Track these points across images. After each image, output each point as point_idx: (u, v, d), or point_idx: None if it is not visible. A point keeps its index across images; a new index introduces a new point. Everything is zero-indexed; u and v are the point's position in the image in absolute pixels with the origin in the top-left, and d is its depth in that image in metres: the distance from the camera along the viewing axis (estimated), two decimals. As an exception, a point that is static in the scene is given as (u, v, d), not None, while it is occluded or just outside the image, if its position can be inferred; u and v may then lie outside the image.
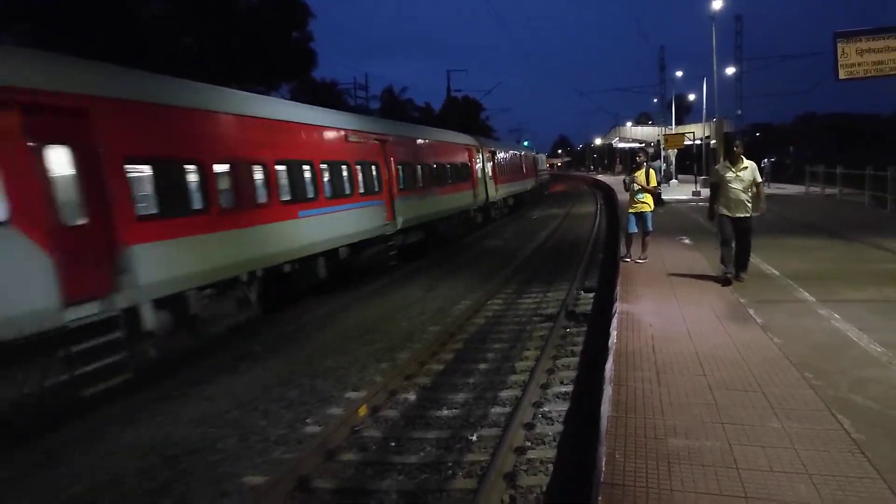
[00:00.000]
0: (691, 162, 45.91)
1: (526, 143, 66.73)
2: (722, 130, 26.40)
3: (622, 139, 59.85)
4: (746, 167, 8.79)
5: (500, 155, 31.04)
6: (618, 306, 7.92)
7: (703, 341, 6.29)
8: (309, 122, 13.20)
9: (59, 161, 7.13)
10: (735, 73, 33.22)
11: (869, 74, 12.59)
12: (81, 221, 7.32)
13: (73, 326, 6.92)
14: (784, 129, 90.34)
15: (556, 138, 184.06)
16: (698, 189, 28.68)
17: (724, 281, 8.94)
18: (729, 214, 8.82)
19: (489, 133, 67.80)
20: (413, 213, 18.08)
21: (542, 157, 56.26)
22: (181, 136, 9.23)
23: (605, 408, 4.63)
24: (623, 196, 24.98)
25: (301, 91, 39.74)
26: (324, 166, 13.17)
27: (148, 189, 8.41)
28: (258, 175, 10.89)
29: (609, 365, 5.66)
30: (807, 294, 8.07)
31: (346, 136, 14.44)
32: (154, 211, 8.40)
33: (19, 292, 6.38)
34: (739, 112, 34.03)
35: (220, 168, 9.87)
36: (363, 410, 7.06)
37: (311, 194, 12.50)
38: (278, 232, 11.22)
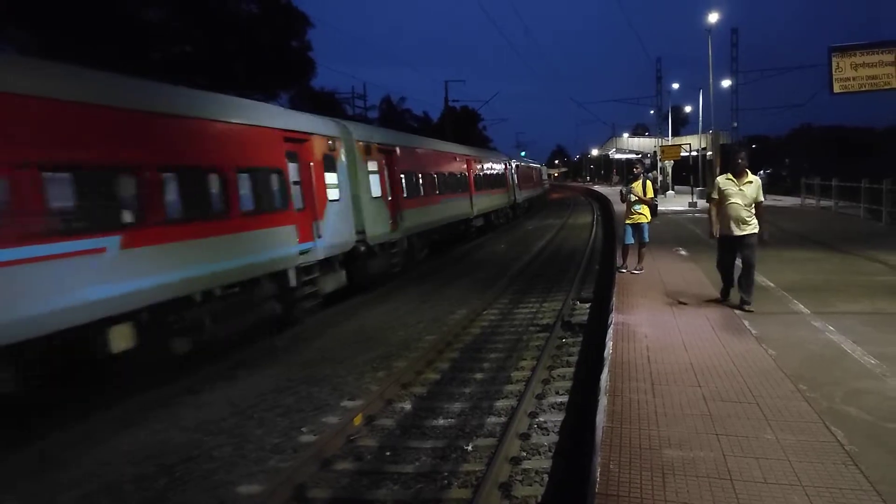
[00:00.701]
0: (687, 173, 46.16)
1: (523, 154, 66.96)
2: (718, 142, 26.55)
3: (619, 150, 60.11)
4: (751, 182, 7.92)
5: (522, 167, 41.17)
6: (614, 317, 7.95)
7: (699, 352, 6.32)
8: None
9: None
10: (731, 86, 33.43)
11: (863, 88, 12.71)
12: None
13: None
14: (780, 141, 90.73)
15: (553, 148, 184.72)
16: (695, 200, 28.79)
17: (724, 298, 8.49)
18: (728, 233, 8.05)
19: (487, 144, 68.01)
20: (484, 205, 27.90)
21: (545, 168, 66.49)
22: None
23: (601, 418, 4.64)
24: (620, 207, 25.20)
25: (299, 99, 39.84)
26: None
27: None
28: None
29: (605, 375, 5.68)
30: (801, 306, 8.11)
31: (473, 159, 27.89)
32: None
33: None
34: (735, 124, 34.18)
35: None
36: (359, 419, 7.05)
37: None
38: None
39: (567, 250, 22.04)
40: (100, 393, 7.65)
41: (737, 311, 7.97)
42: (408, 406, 7.57)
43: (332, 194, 12.81)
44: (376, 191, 15.13)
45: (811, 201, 25.72)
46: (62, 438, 6.76)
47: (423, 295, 14.58)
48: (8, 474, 6.00)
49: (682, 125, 71.08)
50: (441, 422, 7.02)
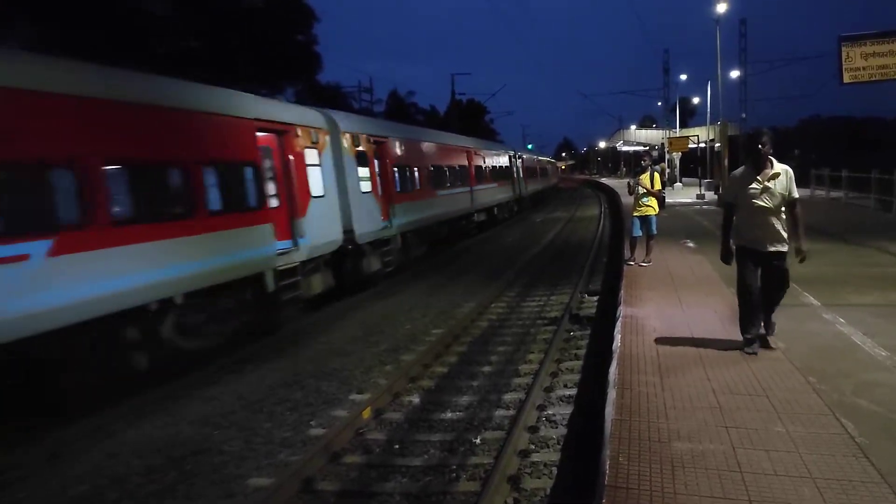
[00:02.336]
0: (695, 165, 45.92)
1: (530, 147, 66.83)
2: (727, 133, 26.37)
3: (626, 142, 59.82)
4: (778, 174, 5.82)
5: (527, 159, 46.26)
6: (622, 310, 7.92)
7: (707, 345, 6.29)
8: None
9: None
10: (740, 77, 33.18)
11: (873, 78, 12.55)
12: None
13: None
14: (788, 132, 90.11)
15: (560, 141, 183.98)
16: (702, 192, 28.67)
17: (747, 348, 6.00)
18: (751, 247, 5.92)
19: (494, 137, 67.81)
20: (486, 199, 27.15)
21: (555, 162, 80.00)
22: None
23: (609, 411, 4.64)
24: (627, 200, 25.09)
25: (306, 94, 39.84)
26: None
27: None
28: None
29: (613, 368, 5.67)
30: (811, 298, 8.06)
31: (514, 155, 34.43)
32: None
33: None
34: (744, 115, 33.97)
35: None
36: (367, 413, 7.07)
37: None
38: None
39: (574, 243, 21.98)
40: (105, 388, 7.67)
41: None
42: (416, 399, 7.58)
43: (316, 190, 11.92)
44: (366, 185, 14.29)
45: (821, 192, 25.53)
46: (71, 432, 6.82)
47: (430, 288, 14.59)
48: (19, 468, 6.06)
49: (690, 116, 70.60)
50: (449, 415, 7.03)
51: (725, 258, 6.18)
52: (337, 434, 6.40)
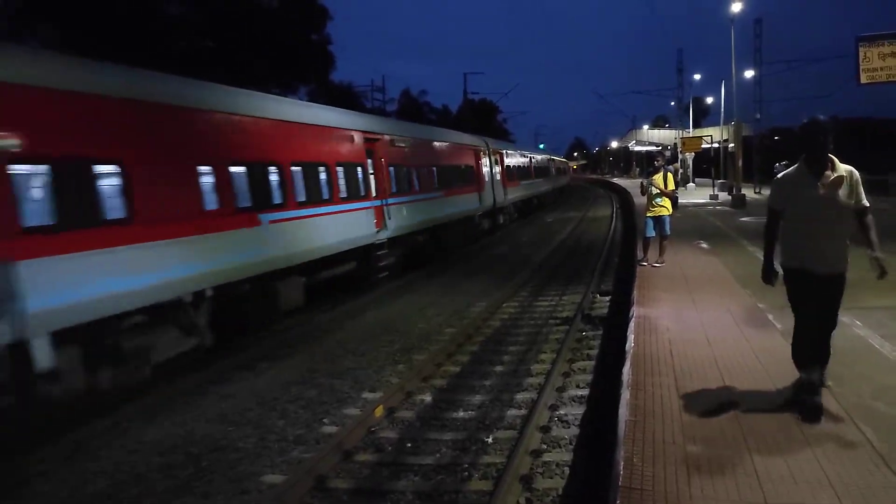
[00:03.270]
0: (708, 165, 45.62)
1: (541, 147, 66.77)
2: (741, 133, 26.18)
3: (639, 142, 59.53)
4: (842, 178, 4.63)
5: (561, 163, 55.43)
6: (635, 310, 7.90)
7: (722, 347, 6.26)
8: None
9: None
10: (754, 77, 32.90)
11: (892, 79, 12.39)
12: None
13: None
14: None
15: (572, 140, 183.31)
16: (716, 193, 28.50)
17: (808, 410, 4.57)
18: (803, 267, 4.75)
19: (507, 136, 67.74)
20: (518, 194, 30.16)
21: (567, 161, 78.62)
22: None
23: (623, 412, 4.62)
24: (640, 200, 24.98)
25: (319, 93, 39.98)
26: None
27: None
28: None
29: (627, 369, 5.65)
30: (827, 300, 7.97)
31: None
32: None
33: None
34: (758, 116, 33.67)
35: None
36: (380, 411, 7.10)
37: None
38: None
39: (586, 243, 21.91)
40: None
41: (760, 305, 7.84)
42: (428, 398, 7.59)
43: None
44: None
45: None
46: (90, 429, 6.89)
47: (443, 287, 14.60)
48: (40, 464, 6.14)
49: (703, 116, 70.14)
50: (461, 414, 7.04)
51: (767, 277, 4.99)
52: (350, 432, 6.43)
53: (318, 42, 37.92)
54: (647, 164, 67.49)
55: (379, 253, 14.16)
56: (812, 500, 3.42)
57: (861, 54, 11.41)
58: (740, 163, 25.45)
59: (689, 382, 5.27)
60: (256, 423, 7.02)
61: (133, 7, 25.62)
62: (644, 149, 61.41)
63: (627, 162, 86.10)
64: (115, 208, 7.31)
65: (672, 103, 54.85)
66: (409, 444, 6.33)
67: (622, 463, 3.73)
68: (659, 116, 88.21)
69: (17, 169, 6.22)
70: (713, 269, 10.67)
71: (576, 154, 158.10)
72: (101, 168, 7.24)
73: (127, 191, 7.45)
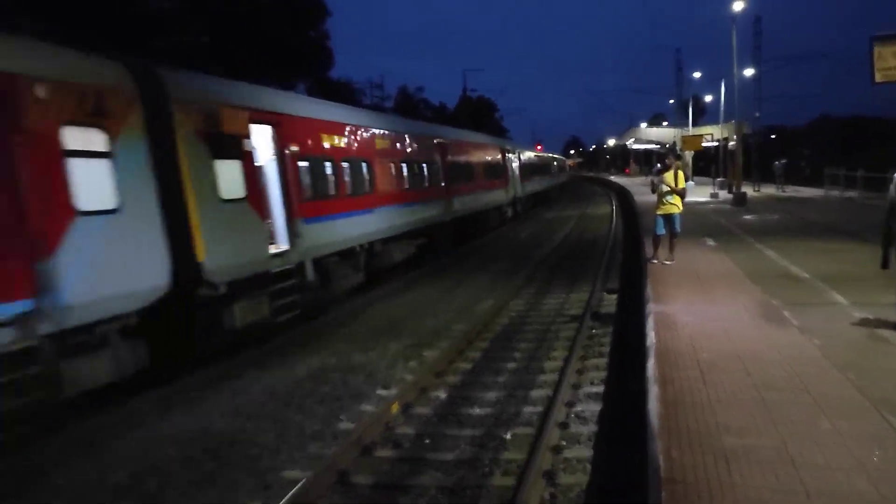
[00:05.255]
0: (706, 164, 45.74)
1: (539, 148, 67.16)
2: (742, 132, 26.25)
3: (637, 140, 59.59)
4: None
5: (561, 161, 58.61)
6: (651, 307, 7.90)
7: (742, 342, 6.27)
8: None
9: None
10: (754, 75, 33.00)
11: (906, 77, 12.35)
12: None
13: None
14: (798, 131, 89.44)
15: (568, 138, 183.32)
16: (716, 191, 28.59)
17: None
18: None
19: (504, 134, 67.74)
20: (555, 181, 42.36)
21: (564, 160, 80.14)
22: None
23: (653, 405, 4.63)
24: (641, 199, 25.02)
25: (317, 89, 39.86)
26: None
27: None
28: None
29: (651, 363, 5.66)
30: (839, 296, 8.02)
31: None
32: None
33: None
34: (757, 114, 33.79)
35: None
36: (396, 407, 7.09)
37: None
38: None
39: (585, 248, 21.95)
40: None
41: (774, 302, 7.86)
42: (443, 395, 7.59)
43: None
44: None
45: (835, 192, 25.38)
46: (102, 421, 6.85)
47: (450, 284, 14.59)
48: (54, 455, 6.11)
49: (701, 115, 70.25)
50: (477, 410, 7.03)
51: (885, 264, 6.07)
52: (367, 427, 6.43)
53: (316, 38, 37.80)
54: (645, 161, 67.63)
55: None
56: (848, 486, 3.43)
57: (875, 53, 11.39)
58: (741, 161, 25.50)
59: (715, 376, 5.28)
60: (273, 417, 7.01)
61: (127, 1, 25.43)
62: (643, 147, 61.50)
63: (625, 160, 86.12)
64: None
65: (671, 101, 54.95)
66: (428, 441, 6.33)
67: (661, 456, 3.73)
68: (656, 114, 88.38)
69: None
70: (723, 266, 10.69)
71: (572, 152, 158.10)
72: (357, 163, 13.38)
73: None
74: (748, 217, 18.92)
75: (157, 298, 7.52)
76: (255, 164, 9.84)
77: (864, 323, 6.74)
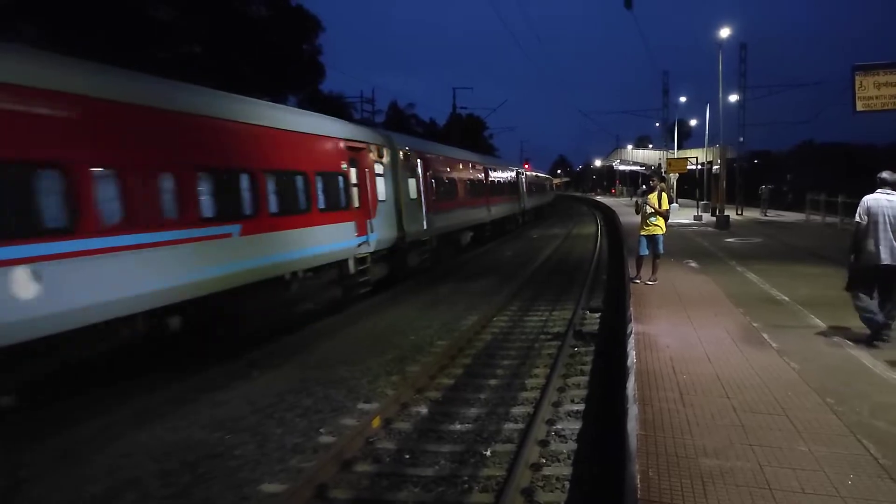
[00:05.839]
0: (690, 186, 46.26)
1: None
2: (726, 156, 26.63)
3: (623, 161, 60.24)
4: None
5: (549, 178, 61.81)
6: (633, 327, 7.96)
7: (722, 364, 6.34)
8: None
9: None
10: (738, 101, 33.52)
11: (886, 107, 12.69)
12: None
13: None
14: (782, 157, 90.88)
15: (556, 158, 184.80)
16: (699, 213, 28.92)
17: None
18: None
19: (493, 152, 68.14)
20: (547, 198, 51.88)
21: (552, 179, 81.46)
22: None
23: (633, 426, 4.66)
24: (626, 219, 25.27)
25: (309, 103, 39.93)
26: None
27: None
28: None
29: (631, 384, 5.70)
30: (818, 320, 8.15)
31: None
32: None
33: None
34: (742, 139, 34.28)
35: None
36: (377, 422, 7.05)
37: None
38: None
39: (574, 259, 22.06)
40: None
41: (754, 324, 7.98)
42: (424, 410, 7.56)
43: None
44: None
45: (816, 217, 25.78)
46: (79, 432, 6.75)
47: (433, 299, 14.59)
48: (31, 466, 6.01)
49: (686, 138, 71.23)
50: (458, 426, 7.01)
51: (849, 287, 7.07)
52: (348, 442, 6.38)
53: (309, 52, 37.95)
54: (631, 182, 68.30)
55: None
56: (824, 512, 3.47)
57: (857, 83, 11.72)
58: (724, 184, 25.86)
59: (695, 398, 5.33)
60: (253, 430, 6.94)
61: (120, 10, 25.39)
62: (629, 168, 62.19)
63: (611, 180, 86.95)
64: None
65: (657, 124, 55.62)
66: (408, 456, 6.29)
67: (639, 476, 3.75)
68: (642, 136, 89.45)
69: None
70: (705, 287, 10.81)
71: (559, 171, 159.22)
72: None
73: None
74: (731, 240, 19.15)
75: (392, 245, 15.77)
76: (419, 180, 18.14)
77: (841, 346, 6.85)
